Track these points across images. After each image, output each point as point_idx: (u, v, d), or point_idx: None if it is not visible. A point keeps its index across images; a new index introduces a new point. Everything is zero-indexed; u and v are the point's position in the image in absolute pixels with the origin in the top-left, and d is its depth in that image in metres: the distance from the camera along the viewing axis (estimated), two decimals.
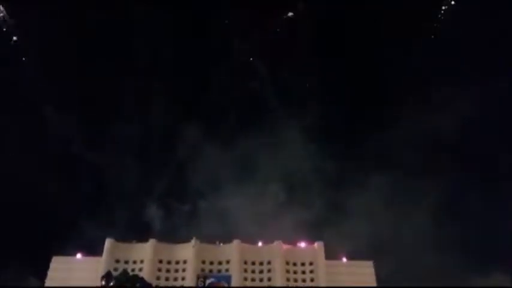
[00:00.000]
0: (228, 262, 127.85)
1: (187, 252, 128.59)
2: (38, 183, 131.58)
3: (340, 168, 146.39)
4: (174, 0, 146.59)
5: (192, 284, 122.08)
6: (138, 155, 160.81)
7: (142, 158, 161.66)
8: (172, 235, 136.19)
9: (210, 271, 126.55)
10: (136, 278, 72.76)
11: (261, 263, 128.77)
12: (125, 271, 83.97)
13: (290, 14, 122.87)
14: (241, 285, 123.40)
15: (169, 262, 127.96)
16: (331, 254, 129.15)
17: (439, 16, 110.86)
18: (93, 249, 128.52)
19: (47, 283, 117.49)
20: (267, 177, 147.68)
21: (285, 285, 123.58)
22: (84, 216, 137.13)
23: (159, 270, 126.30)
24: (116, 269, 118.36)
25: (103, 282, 68.94)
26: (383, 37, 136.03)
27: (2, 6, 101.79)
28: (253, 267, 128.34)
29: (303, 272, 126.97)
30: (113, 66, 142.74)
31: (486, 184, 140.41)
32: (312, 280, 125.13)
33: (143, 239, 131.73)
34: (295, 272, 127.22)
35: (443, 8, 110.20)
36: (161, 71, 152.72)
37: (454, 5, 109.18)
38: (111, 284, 68.49)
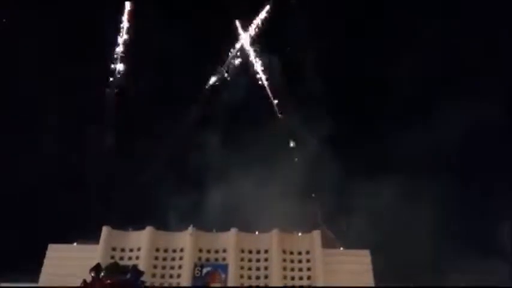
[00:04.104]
0: (225, 251, 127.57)
1: (184, 240, 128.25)
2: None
3: (345, 167, 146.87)
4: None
5: (189, 272, 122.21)
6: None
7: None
8: (171, 223, 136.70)
9: (207, 259, 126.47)
10: (127, 268, 72.39)
11: (258, 252, 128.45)
12: (115, 262, 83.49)
13: None
14: (238, 273, 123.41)
15: (166, 250, 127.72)
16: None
17: None
18: (90, 237, 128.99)
19: (43, 271, 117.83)
20: (271, 171, 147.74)
21: (281, 274, 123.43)
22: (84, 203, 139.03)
23: (156, 258, 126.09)
24: (112, 257, 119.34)
25: (92, 274, 68.43)
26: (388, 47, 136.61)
27: None
28: (250, 255, 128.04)
29: (300, 261, 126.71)
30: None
31: (484, 187, 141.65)
32: (308, 269, 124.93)
33: (140, 227, 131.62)
34: (292, 261, 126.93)
35: None
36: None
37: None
38: (102, 275, 68.10)
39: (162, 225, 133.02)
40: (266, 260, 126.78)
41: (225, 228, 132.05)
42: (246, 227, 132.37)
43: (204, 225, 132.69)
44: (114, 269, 70.63)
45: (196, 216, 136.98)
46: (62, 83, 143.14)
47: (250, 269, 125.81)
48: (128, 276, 70.13)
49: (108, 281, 67.40)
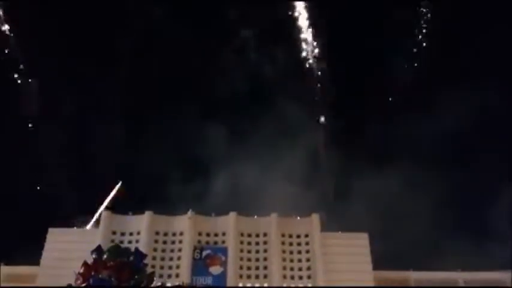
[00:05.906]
0: (224, 234, 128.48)
1: (183, 224, 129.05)
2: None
3: (347, 156, 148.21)
4: None
5: (189, 254, 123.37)
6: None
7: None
8: (171, 209, 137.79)
9: (207, 243, 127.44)
10: (129, 251, 72.60)
11: (257, 235, 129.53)
12: (116, 244, 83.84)
13: None
14: (237, 256, 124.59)
15: (165, 234, 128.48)
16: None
17: None
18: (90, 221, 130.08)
19: (44, 254, 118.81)
20: (274, 157, 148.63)
21: (280, 256, 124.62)
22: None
23: (156, 241, 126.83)
24: (112, 241, 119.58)
25: (94, 256, 68.63)
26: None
27: None
28: (249, 239, 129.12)
29: (299, 244, 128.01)
30: None
31: (483, 173, 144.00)
32: (307, 251, 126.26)
33: (140, 211, 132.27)
34: (290, 244, 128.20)
35: None
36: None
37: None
38: (104, 257, 68.35)
39: (162, 211, 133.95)
40: (265, 243, 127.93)
41: (224, 213, 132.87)
42: (246, 212, 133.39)
43: (203, 210, 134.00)
44: (116, 251, 70.89)
45: (196, 203, 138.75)
46: (72, 75, 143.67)
47: (249, 251, 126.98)
48: (131, 258, 70.39)
49: (111, 263, 67.75)
